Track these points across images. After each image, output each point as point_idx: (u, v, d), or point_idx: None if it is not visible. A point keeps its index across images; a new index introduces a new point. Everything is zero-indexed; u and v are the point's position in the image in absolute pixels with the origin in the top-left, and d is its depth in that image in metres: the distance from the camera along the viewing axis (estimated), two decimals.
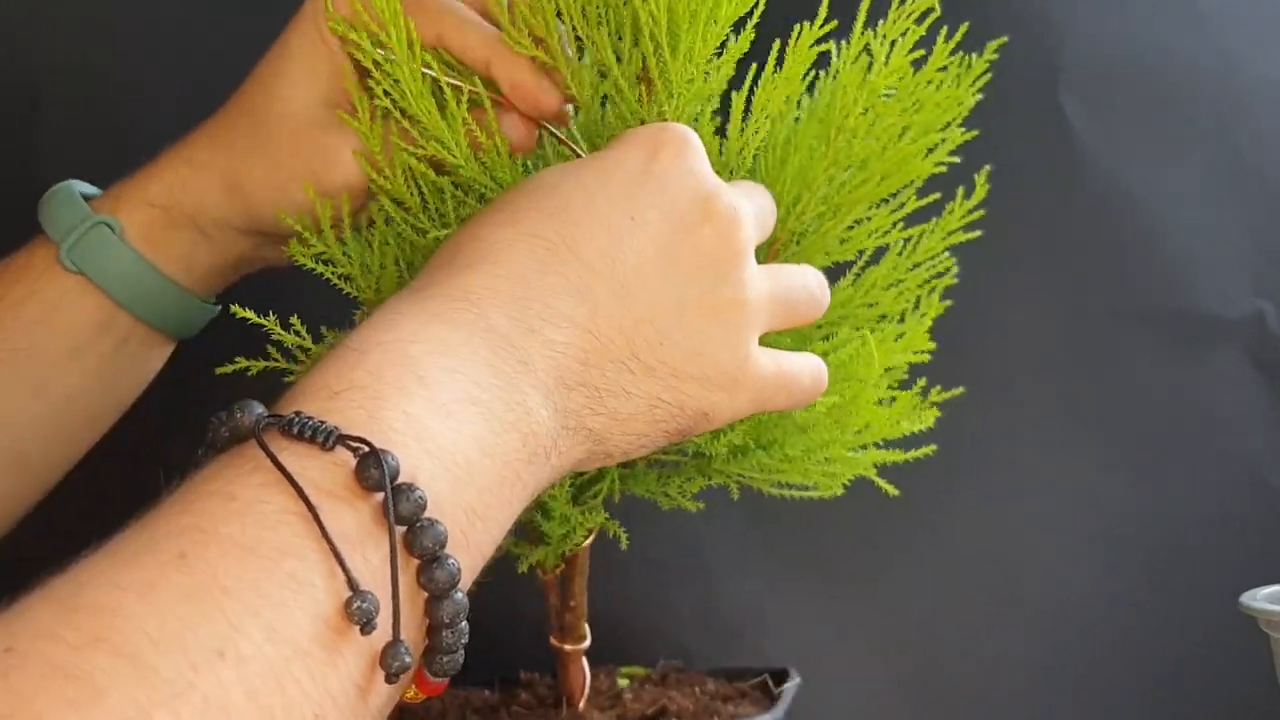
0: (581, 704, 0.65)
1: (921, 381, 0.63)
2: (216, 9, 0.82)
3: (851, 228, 0.62)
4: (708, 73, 0.56)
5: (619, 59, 0.56)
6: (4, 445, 0.60)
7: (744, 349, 0.52)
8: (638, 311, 0.49)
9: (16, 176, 0.77)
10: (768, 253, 0.61)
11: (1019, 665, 0.86)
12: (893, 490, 0.63)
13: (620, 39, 0.56)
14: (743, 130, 0.59)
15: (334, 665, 0.36)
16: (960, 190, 0.64)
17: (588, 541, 0.62)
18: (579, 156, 0.56)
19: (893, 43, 0.58)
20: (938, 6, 0.59)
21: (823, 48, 0.57)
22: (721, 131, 0.60)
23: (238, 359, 0.58)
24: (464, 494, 0.42)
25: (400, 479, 0.39)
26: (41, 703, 0.31)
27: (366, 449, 0.39)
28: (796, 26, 0.56)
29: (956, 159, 0.61)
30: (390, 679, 0.38)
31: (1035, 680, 0.86)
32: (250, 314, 0.55)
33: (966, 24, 0.59)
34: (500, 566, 0.60)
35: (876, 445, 0.63)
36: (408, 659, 0.38)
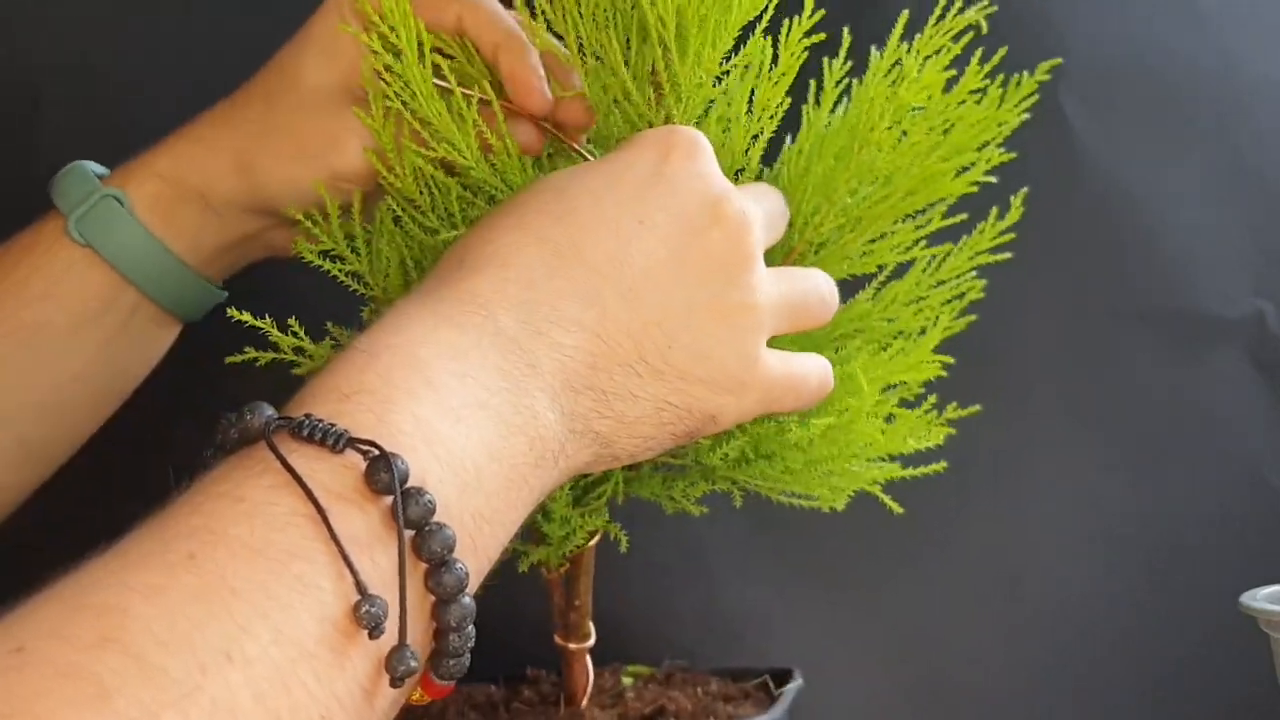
0: (584, 702, 0.65)
1: (931, 399, 0.63)
2: (216, 9, 0.82)
3: (874, 241, 0.61)
4: (719, 77, 0.56)
5: (627, 63, 0.56)
6: (6, 423, 0.60)
7: (752, 352, 0.52)
8: (645, 315, 0.49)
9: (16, 176, 0.77)
10: (784, 260, 0.61)
11: (1019, 665, 0.86)
12: (897, 508, 0.63)
13: (629, 45, 0.55)
14: (750, 130, 0.59)
15: (341, 668, 0.36)
16: (994, 210, 0.63)
17: (592, 542, 0.62)
18: (587, 160, 0.56)
19: (926, 59, 0.58)
20: (984, 24, 0.58)
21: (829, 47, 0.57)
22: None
23: (246, 349, 0.58)
24: (472, 498, 0.42)
25: (409, 483, 0.39)
26: (50, 703, 0.31)
27: (376, 452, 0.39)
28: (786, 22, 0.56)
29: (991, 179, 0.61)
30: (395, 683, 0.38)
31: (1035, 680, 0.86)
32: (247, 316, 0.55)
33: (1006, 47, 0.58)
34: (507, 565, 0.60)
35: (881, 460, 0.63)
36: (414, 663, 0.38)
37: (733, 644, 0.86)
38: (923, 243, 0.62)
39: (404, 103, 0.55)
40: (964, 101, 0.58)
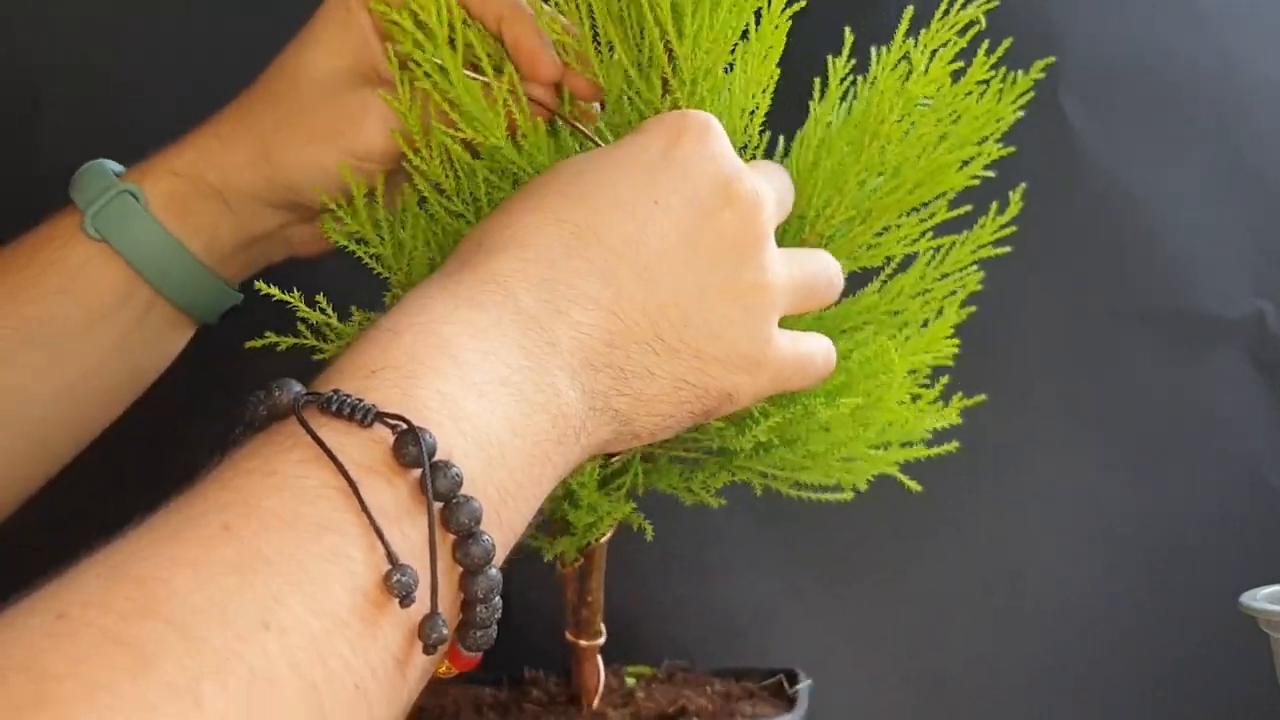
0: (596, 702, 0.65)
1: (944, 380, 0.63)
2: (216, 9, 0.82)
3: (880, 234, 0.62)
4: (729, 65, 0.56)
5: (640, 60, 0.56)
6: (20, 417, 0.61)
7: (765, 331, 0.52)
8: (661, 294, 0.50)
9: (16, 176, 0.77)
10: None
11: (1019, 665, 0.86)
12: (915, 486, 0.64)
13: (643, 36, 0.56)
14: (744, 106, 0.59)
15: (373, 637, 0.37)
16: (994, 205, 0.64)
17: (605, 537, 0.63)
18: (599, 146, 0.57)
19: (933, 52, 0.59)
20: (983, 20, 0.59)
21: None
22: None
23: (267, 334, 0.58)
24: (496, 473, 0.43)
25: (436, 456, 0.40)
26: (94, 668, 0.31)
27: (404, 426, 0.40)
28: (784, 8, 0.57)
29: (991, 174, 0.62)
30: (429, 650, 0.38)
31: (1035, 680, 0.86)
32: (275, 290, 0.56)
33: (1010, 39, 0.59)
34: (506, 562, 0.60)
35: (894, 445, 0.63)
36: (445, 631, 0.38)
37: (734, 642, 0.86)
38: (929, 235, 0.63)
39: (434, 83, 0.55)
40: (970, 93, 0.60)
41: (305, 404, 0.40)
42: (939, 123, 0.59)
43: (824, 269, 0.56)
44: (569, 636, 0.65)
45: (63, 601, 0.33)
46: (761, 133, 0.60)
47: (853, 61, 0.62)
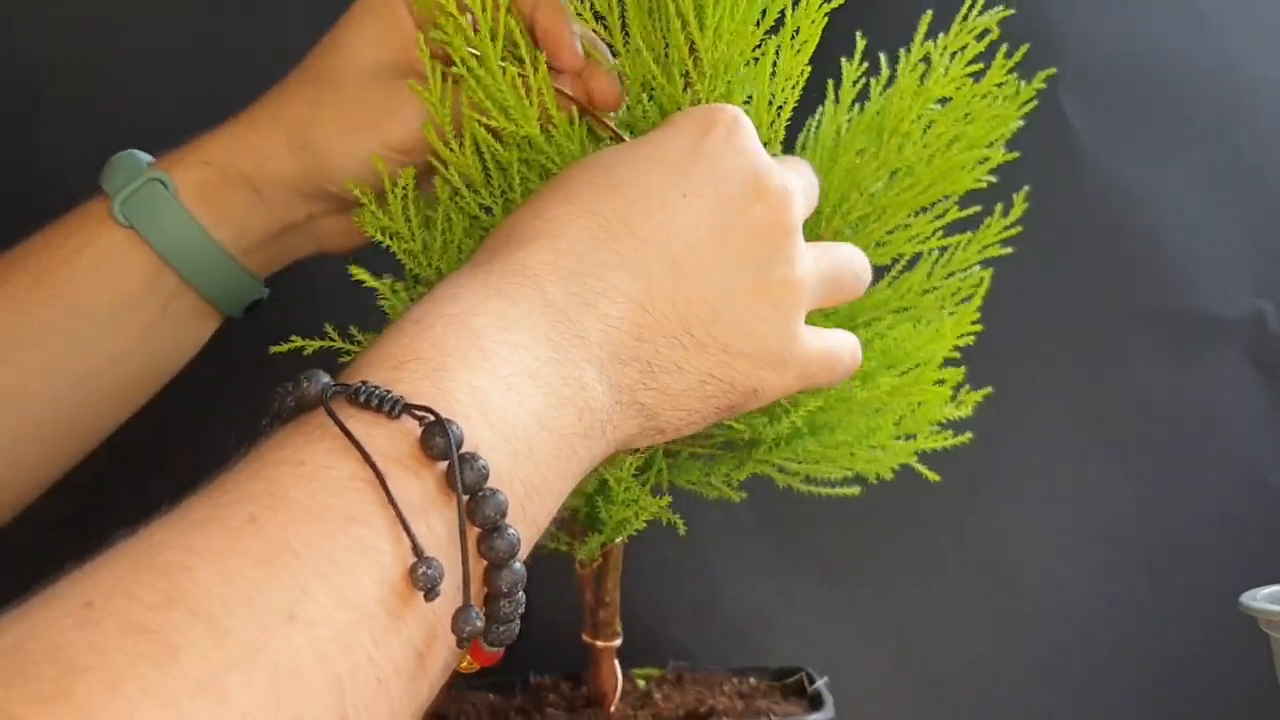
0: (615, 704, 0.65)
1: (961, 370, 0.64)
2: (217, 9, 0.82)
3: (891, 232, 0.63)
4: (754, 59, 0.56)
5: (665, 51, 0.56)
6: (45, 401, 0.61)
7: (793, 327, 0.52)
8: (690, 288, 0.49)
9: (16, 176, 0.77)
10: None
11: (1019, 665, 0.86)
12: (934, 476, 0.64)
13: (667, 28, 0.56)
14: (775, 101, 0.59)
15: (398, 630, 0.37)
16: (999, 206, 0.64)
17: (621, 537, 0.63)
18: (621, 141, 0.57)
19: (953, 54, 0.60)
20: (995, 29, 0.61)
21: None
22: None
23: (293, 338, 0.58)
24: (523, 466, 0.42)
25: (463, 448, 0.39)
26: (119, 659, 0.31)
27: (432, 418, 0.39)
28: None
29: (993, 179, 0.63)
30: (461, 643, 0.38)
31: (1035, 680, 0.86)
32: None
33: (1028, 45, 0.60)
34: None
35: (923, 434, 0.64)
36: (479, 623, 0.38)
37: (735, 642, 0.86)
38: (939, 233, 0.64)
39: (470, 72, 0.55)
40: (987, 94, 0.61)
41: (333, 395, 0.40)
42: (955, 123, 0.61)
43: (850, 261, 0.56)
44: (586, 638, 0.65)
45: (88, 590, 0.33)
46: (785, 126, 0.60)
47: (865, 65, 0.63)
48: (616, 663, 0.65)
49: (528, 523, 0.43)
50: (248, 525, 0.35)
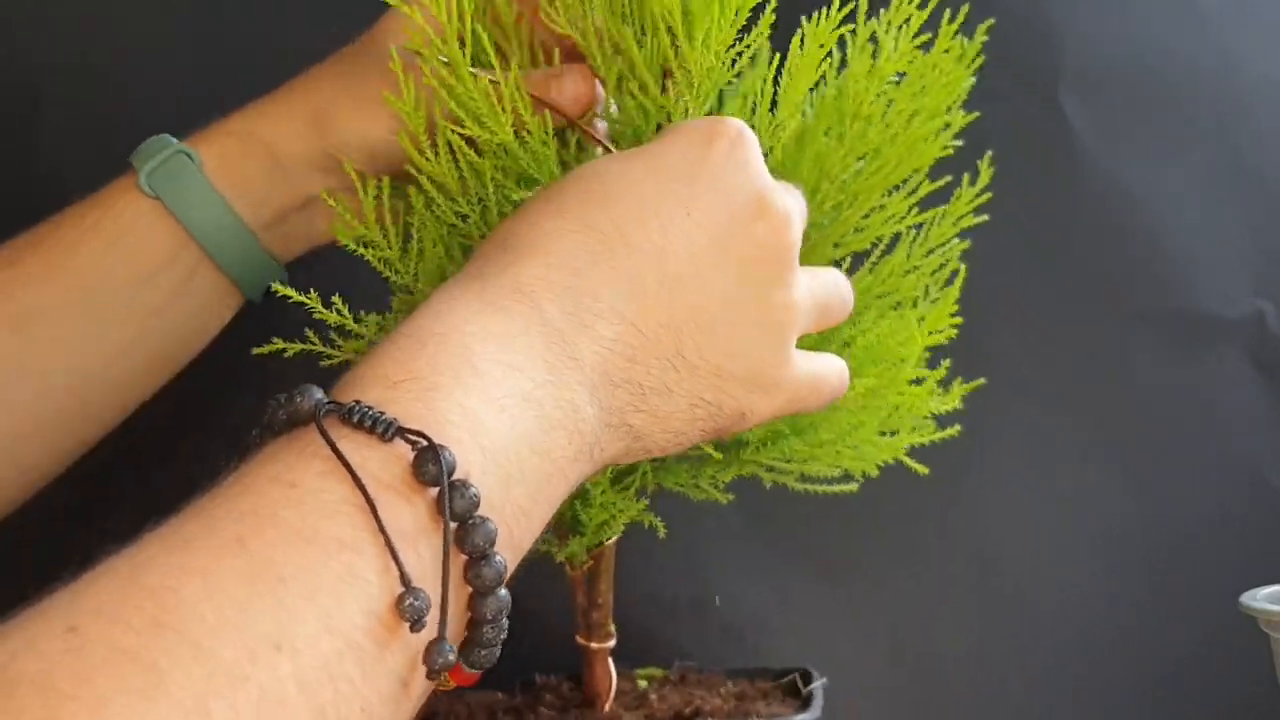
0: (608, 704, 0.65)
1: (946, 363, 0.63)
2: (217, 9, 0.82)
3: (867, 217, 0.62)
4: (733, 60, 0.56)
5: (640, 47, 0.56)
6: (65, 374, 0.61)
7: (785, 351, 0.52)
8: (686, 307, 0.49)
9: (16, 176, 0.77)
10: None
11: (1019, 665, 0.86)
12: (922, 469, 0.64)
13: (644, 33, 0.55)
14: (772, 124, 0.59)
15: (382, 660, 0.36)
16: (966, 176, 0.64)
17: (613, 539, 0.63)
18: (609, 151, 0.56)
19: (899, 28, 0.59)
20: None
21: (841, 31, 0.57)
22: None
23: (274, 339, 0.58)
24: (513, 491, 0.42)
25: (455, 475, 0.39)
26: (105, 686, 0.31)
27: (424, 443, 0.39)
28: (814, 15, 0.56)
29: (960, 143, 0.62)
30: (431, 676, 0.38)
31: (1035, 680, 0.86)
32: (291, 292, 0.57)
33: (966, 5, 0.60)
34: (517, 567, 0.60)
35: (907, 430, 0.64)
36: (451, 657, 0.38)
37: (731, 643, 0.86)
38: (914, 210, 0.63)
39: (442, 82, 0.55)
40: (936, 65, 0.60)
41: (327, 413, 0.40)
42: (913, 96, 0.60)
43: (838, 287, 0.56)
44: (579, 640, 0.65)
45: (75, 612, 0.33)
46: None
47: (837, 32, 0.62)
48: (611, 663, 0.65)
49: (513, 548, 0.42)
50: (235, 546, 0.35)
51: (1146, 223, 0.86)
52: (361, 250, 0.58)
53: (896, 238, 0.64)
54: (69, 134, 0.80)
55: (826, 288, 0.55)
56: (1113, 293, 0.86)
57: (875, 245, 0.64)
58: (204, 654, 0.32)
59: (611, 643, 0.65)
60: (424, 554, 0.38)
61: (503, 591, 0.40)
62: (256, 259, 0.63)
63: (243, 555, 0.35)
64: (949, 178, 0.64)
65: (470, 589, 0.40)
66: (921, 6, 0.60)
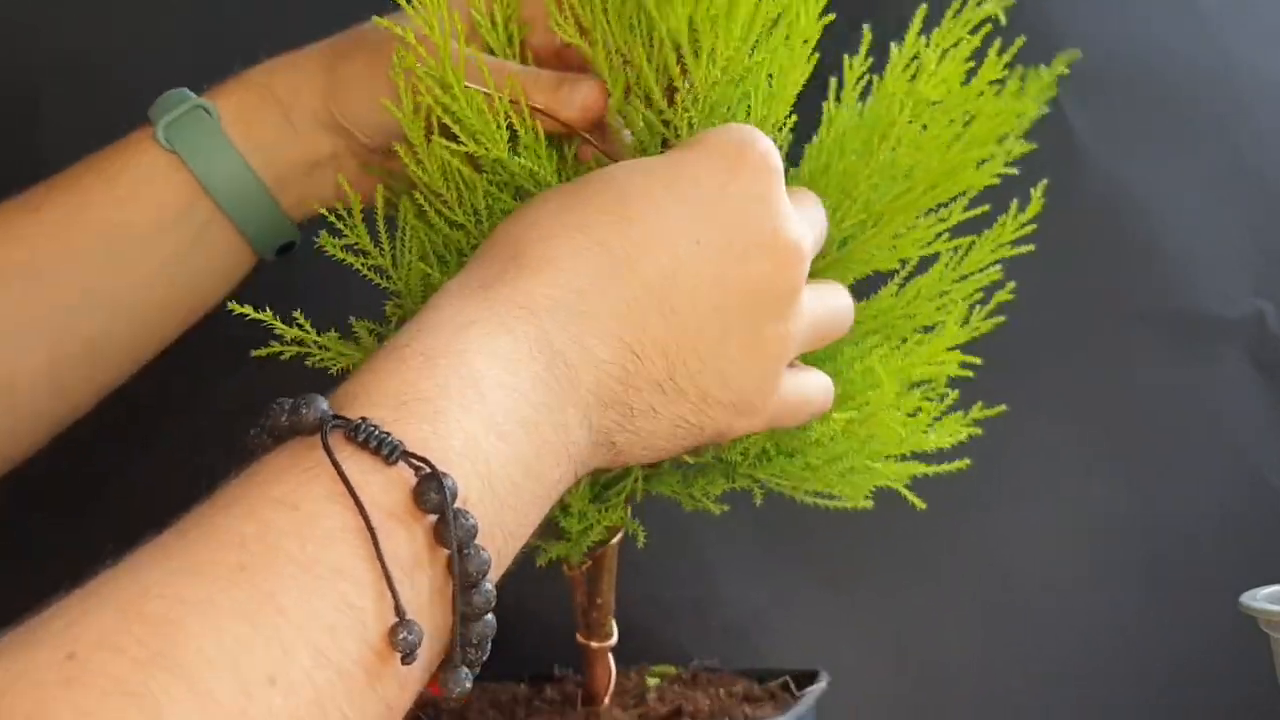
0: (605, 702, 0.65)
1: (954, 394, 0.63)
2: (217, 9, 0.82)
3: (898, 237, 0.61)
4: (740, 78, 0.55)
5: (649, 60, 0.55)
6: (80, 326, 0.62)
7: (775, 379, 0.52)
8: (683, 336, 0.49)
9: (16, 176, 0.77)
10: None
11: (1018, 665, 0.86)
12: (919, 503, 0.63)
13: (651, 45, 0.55)
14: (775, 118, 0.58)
15: (373, 689, 0.37)
16: (1014, 203, 0.63)
17: (615, 539, 0.62)
18: (612, 162, 0.55)
19: (944, 52, 0.57)
20: (1003, 16, 0.57)
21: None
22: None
23: (271, 343, 0.58)
24: (505, 516, 0.42)
25: (454, 503, 0.39)
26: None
27: (428, 470, 0.39)
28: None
29: (1014, 170, 0.60)
30: (447, 701, 0.39)
31: (1035, 680, 0.86)
32: (248, 309, 0.56)
33: (1023, 38, 0.58)
34: (539, 564, 0.60)
35: (902, 457, 0.63)
36: (468, 684, 0.39)
37: (735, 644, 0.86)
38: (945, 236, 0.62)
39: (435, 97, 0.55)
40: (982, 93, 0.58)
41: (332, 429, 0.40)
42: (951, 123, 0.58)
43: (839, 305, 0.56)
44: (580, 639, 0.65)
45: (72, 639, 0.33)
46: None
47: (870, 60, 0.61)
48: (611, 661, 0.65)
49: (499, 569, 0.43)
50: (235, 574, 0.35)
51: (1146, 223, 0.86)
52: (351, 259, 0.58)
53: (923, 260, 0.63)
54: (69, 134, 0.80)
55: (828, 310, 0.55)
56: (1113, 293, 0.86)
57: (903, 265, 0.63)
58: (202, 692, 0.33)
59: (611, 642, 0.65)
60: (419, 584, 0.39)
61: (490, 616, 0.40)
62: (269, 215, 0.63)
63: (244, 586, 0.35)
64: (986, 208, 0.62)
65: (459, 614, 0.40)
66: (974, 31, 0.57)
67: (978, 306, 0.64)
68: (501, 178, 0.56)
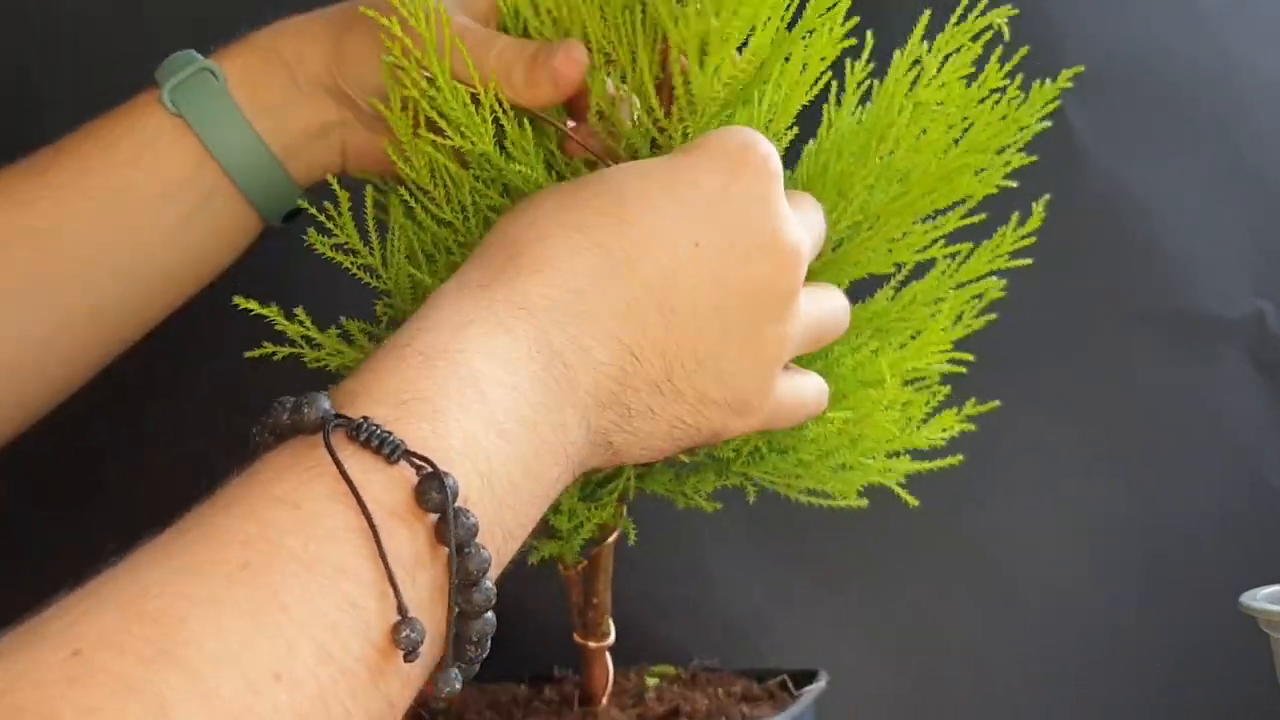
0: (603, 702, 0.65)
1: (945, 390, 0.63)
2: (217, 9, 0.82)
3: (895, 241, 0.61)
4: (744, 99, 0.55)
5: (634, 65, 0.55)
6: (84, 291, 0.61)
7: (771, 381, 0.52)
8: (682, 337, 0.49)
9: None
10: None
11: (1019, 665, 0.86)
12: (912, 501, 0.63)
13: (641, 49, 0.55)
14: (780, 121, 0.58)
15: (375, 686, 0.37)
16: (1015, 216, 0.63)
17: (611, 538, 0.62)
18: (606, 166, 0.55)
19: (946, 57, 0.57)
20: (1005, 28, 0.57)
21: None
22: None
23: (264, 343, 0.58)
24: (504, 515, 0.43)
25: (455, 502, 0.40)
26: (108, 718, 0.31)
27: (429, 469, 0.39)
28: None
29: (1013, 184, 0.60)
30: (437, 700, 0.39)
31: (1035, 680, 0.86)
32: (254, 304, 0.56)
33: (1023, 39, 0.58)
34: (538, 564, 0.60)
35: (894, 455, 0.63)
36: (458, 685, 0.39)
37: (734, 644, 0.86)
38: (940, 242, 0.62)
39: (422, 91, 0.54)
40: (984, 100, 0.58)
41: (335, 428, 0.40)
42: (951, 129, 0.58)
43: (835, 308, 0.56)
44: (577, 639, 0.65)
45: (77, 636, 0.33)
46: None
47: (871, 65, 0.61)
48: (609, 661, 0.65)
49: (497, 567, 0.43)
50: (239, 572, 0.36)
51: (1146, 223, 0.86)
52: (340, 258, 0.57)
53: (920, 266, 0.63)
54: (69, 134, 0.80)
55: (824, 312, 0.55)
56: (1113, 293, 0.86)
57: (899, 270, 0.63)
58: (206, 687, 0.33)
59: (609, 641, 0.65)
60: (420, 582, 0.39)
61: (489, 614, 0.41)
62: (274, 179, 0.63)
63: (247, 584, 0.35)
64: (983, 216, 0.62)
65: (457, 609, 0.40)
66: (976, 39, 0.57)
67: (973, 301, 0.64)
68: (488, 174, 0.56)
